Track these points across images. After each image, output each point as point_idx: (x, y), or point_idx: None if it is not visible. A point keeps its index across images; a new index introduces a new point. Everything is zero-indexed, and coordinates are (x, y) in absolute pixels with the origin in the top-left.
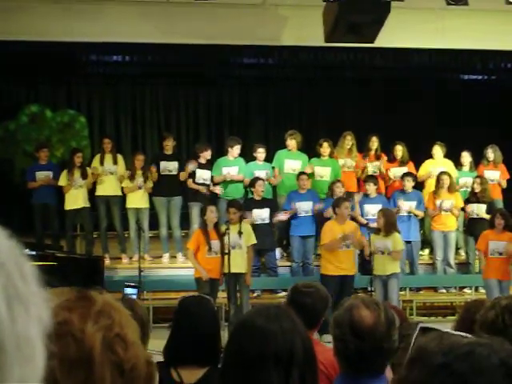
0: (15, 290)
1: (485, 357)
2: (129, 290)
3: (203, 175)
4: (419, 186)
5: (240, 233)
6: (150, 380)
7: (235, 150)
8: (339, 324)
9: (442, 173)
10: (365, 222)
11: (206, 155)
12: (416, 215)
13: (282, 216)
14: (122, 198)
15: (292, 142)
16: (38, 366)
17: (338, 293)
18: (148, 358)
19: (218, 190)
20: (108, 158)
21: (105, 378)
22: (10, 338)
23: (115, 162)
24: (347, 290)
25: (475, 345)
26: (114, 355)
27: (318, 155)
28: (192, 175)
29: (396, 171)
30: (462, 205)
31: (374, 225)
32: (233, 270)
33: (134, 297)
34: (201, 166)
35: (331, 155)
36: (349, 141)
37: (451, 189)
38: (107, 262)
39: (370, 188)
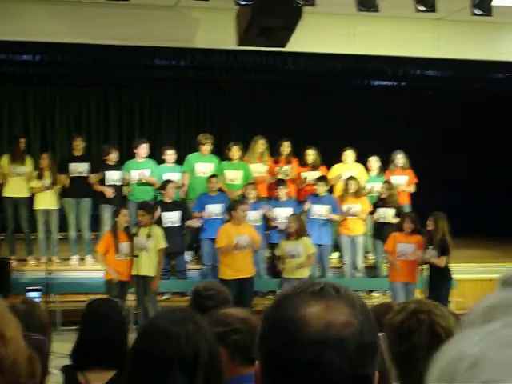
0: None
1: None
2: (31, 294)
3: (112, 176)
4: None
5: (148, 236)
6: (32, 375)
7: (141, 149)
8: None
9: (348, 178)
10: (275, 224)
11: (112, 157)
12: (332, 220)
13: (196, 222)
14: (30, 200)
15: (207, 147)
16: None
17: (238, 295)
18: (30, 353)
19: (109, 192)
20: (17, 158)
21: None
22: None
23: (23, 163)
24: (247, 291)
25: None
26: None
27: (229, 159)
28: (102, 177)
29: (308, 175)
30: (369, 209)
31: (282, 226)
32: (141, 273)
33: (38, 300)
34: (110, 168)
35: (241, 159)
36: (260, 145)
37: (358, 193)
38: (14, 264)
39: (281, 191)
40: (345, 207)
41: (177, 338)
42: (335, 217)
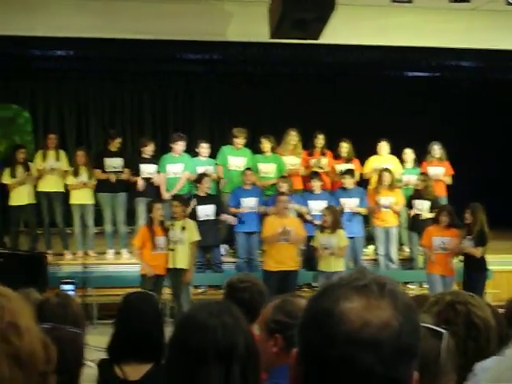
0: None
1: None
2: (65, 287)
3: (147, 169)
4: (365, 182)
5: (183, 228)
6: (48, 361)
7: (179, 146)
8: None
9: (383, 170)
10: (310, 218)
11: (148, 150)
12: (358, 212)
13: (231, 219)
14: (65, 194)
15: (241, 141)
16: None
17: (280, 288)
18: (44, 339)
19: (140, 183)
20: (51, 154)
21: (2, 371)
22: None
23: (58, 159)
24: (289, 285)
25: None
26: (8, 346)
27: (261, 152)
28: (136, 171)
29: (341, 168)
30: (403, 202)
31: (318, 222)
32: (177, 266)
33: (72, 293)
34: (145, 161)
35: (274, 151)
36: (293, 137)
37: (392, 186)
38: (50, 258)
39: (315, 185)
40: (378, 199)
41: (213, 331)
42: (361, 210)
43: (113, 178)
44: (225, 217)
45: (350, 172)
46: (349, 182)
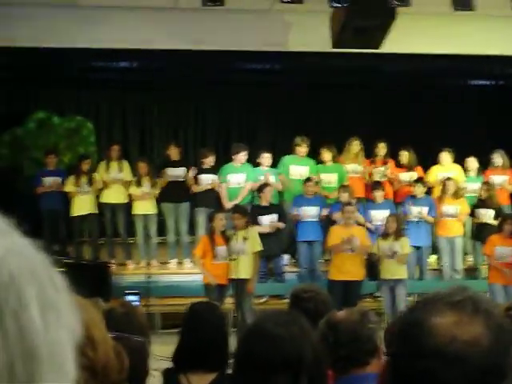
0: (48, 299)
1: None
2: (130, 297)
3: (208, 180)
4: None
5: (245, 239)
6: (121, 370)
7: (241, 156)
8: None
9: (447, 179)
10: (372, 227)
11: (208, 161)
12: (427, 221)
13: (280, 224)
14: (127, 205)
15: (303, 149)
16: (70, 374)
17: (344, 298)
18: (117, 349)
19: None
20: (114, 164)
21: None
22: (44, 346)
23: (121, 169)
24: (353, 295)
25: None
26: (84, 358)
27: (322, 162)
28: (196, 181)
29: (403, 176)
30: (467, 211)
31: (379, 229)
32: (239, 276)
33: (137, 303)
34: (204, 171)
35: (335, 160)
36: (355, 146)
37: (457, 194)
38: (114, 268)
39: (378, 194)
40: (443, 208)
41: (281, 341)
42: (429, 219)
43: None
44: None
45: (421, 180)
46: (419, 191)
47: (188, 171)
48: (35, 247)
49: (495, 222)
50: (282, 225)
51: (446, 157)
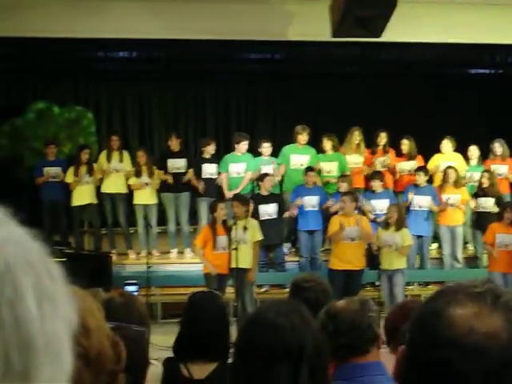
0: (44, 289)
1: None
2: (129, 288)
3: (209, 169)
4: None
5: (245, 228)
6: (117, 361)
7: (242, 146)
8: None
9: (447, 167)
10: (372, 217)
11: (210, 149)
12: (432, 210)
13: (293, 212)
14: (128, 195)
15: (304, 137)
16: (66, 365)
17: (345, 287)
18: (114, 338)
19: (201, 187)
20: (114, 155)
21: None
22: (40, 337)
23: (121, 160)
24: (354, 284)
25: None
26: (78, 347)
27: (323, 151)
28: (198, 171)
29: (404, 165)
30: (468, 199)
31: (381, 219)
32: (240, 266)
33: (135, 293)
34: (206, 161)
35: (335, 149)
36: (356, 136)
37: (457, 183)
38: (114, 258)
39: (376, 184)
40: (444, 197)
41: (282, 330)
42: (435, 208)
43: (170, 179)
44: (287, 214)
45: (423, 169)
46: (422, 179)
47: (188, 163)
48: (32, 237)
49: (496, 209)
50: (295, 212)
51: (446, 145)
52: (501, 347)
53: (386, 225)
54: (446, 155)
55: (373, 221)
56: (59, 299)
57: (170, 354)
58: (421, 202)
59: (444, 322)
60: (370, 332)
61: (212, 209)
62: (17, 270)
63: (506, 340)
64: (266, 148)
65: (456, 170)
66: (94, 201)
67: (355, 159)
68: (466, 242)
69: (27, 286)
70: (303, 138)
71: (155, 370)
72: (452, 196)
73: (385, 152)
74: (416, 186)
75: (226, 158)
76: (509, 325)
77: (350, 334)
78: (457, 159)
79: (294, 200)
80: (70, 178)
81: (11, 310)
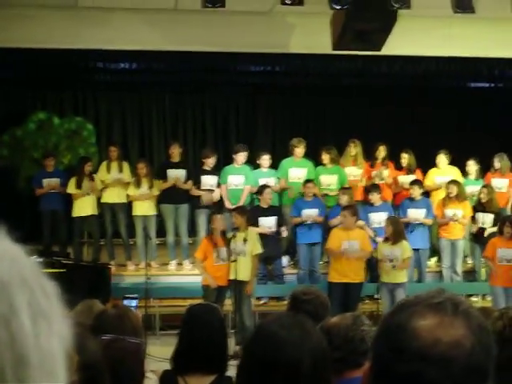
0: (39, 306)
1: None
2: (129, 302)
3: (209, 181)
4: (426, 193)
5: (245, 240)
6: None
7: (240, 156)
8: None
9: (450, 181)
10: (372, 234)
11: (210, 162)
12: (425, 223)
13: (284, 232)
14: (128, 205)
15: (300, 150)
16: (60, 381)
17: (344, 300)
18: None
19: (206, 196)
20: (113, 165)
21: None
22: (34, 353)
23: (121, 170)
24: (353, 298)
25: None
26: None
27: (323, 164)
28: (197, 182)
29: (403, 179)
30: (470, 214)
31: (380, 239)
32: (239, 278)
33: (134, 307)
34: (206, 173)
35: (335, 163)
36: (352, 148)
37: (460, 197)
38: (113, 269)
39: (374, 197)
40: (448, 212)
41: (283, 344)
42: (427, 221)
43: (175, 180)
44: (284, 233)
45: (417, 182)
46: (416, 193)
47: (188, 174)
48: (26, 253)
49: (494, 228)
50: (285, 233)
51: (442, 159)
52: (466, 354)
53: (385, 239)
54: (442, 170)
55: (373, 241)
56: (54, 316)
57: (168, 365)
58: (415, 214)
59: (409, 335)
60: (364, 345)
61: (210, 220)
62: (12, 287)
63: (470, 347)
64: (266, 160)
65: (459, 185)
66: (95, 212)
67: (353, 172)
68: (465, 256)
69: (22, 302)
70: (299, 150)
71: (151, 383)
72: (456, 211)
73: (383, 165)
74: (411, 199)
75: (226, 169)
76: (470, 332)
77: (344, 348)
78: (453, 173)
79: (294, 214)
80: (71, 188)
81: (6, 326)
